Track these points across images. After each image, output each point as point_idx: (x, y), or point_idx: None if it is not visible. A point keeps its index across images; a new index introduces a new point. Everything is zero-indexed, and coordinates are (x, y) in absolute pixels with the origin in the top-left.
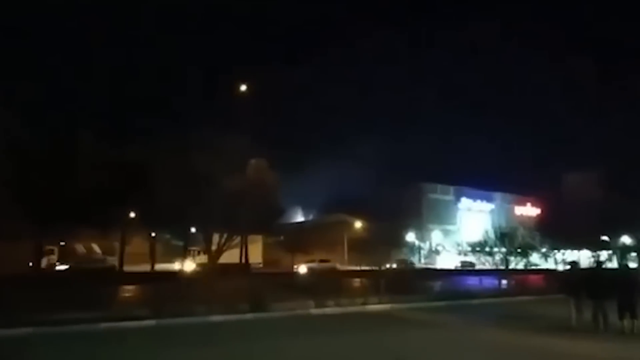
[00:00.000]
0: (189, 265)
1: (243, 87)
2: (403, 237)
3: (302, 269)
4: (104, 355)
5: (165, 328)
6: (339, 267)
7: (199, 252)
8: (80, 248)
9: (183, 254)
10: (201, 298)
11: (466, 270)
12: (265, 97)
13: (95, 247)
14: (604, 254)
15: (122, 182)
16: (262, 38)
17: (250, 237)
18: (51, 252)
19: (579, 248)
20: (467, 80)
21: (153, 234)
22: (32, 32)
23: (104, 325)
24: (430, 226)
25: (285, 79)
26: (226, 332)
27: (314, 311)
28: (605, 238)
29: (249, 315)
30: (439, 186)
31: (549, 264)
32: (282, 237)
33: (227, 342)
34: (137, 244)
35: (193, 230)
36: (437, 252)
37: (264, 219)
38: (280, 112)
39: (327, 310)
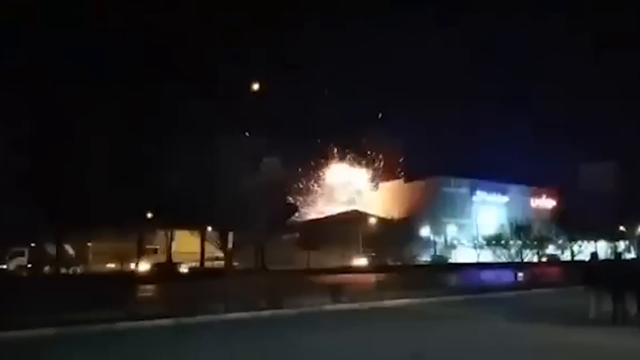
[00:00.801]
0: (143, 266)
1: (255, 86)
2: (417, 232)
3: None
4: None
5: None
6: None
7: (155, 251)
8: (52, 250)
9: (139, 254)
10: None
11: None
12: (278, 93)
13: (69, 249)
14: (621, 245)
15: (136, 181)
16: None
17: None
18: (21, 254)
19: (596, 239)
20: (478, 71)
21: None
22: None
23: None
24: (445, 220)
25: (298, 74)
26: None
27: (330, 307)
28: (622, 229)
29: (264, 313)
30: (453, 179)
31: (566, 256)
32: (297, 235)
33: (243, 339)
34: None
35: (209, 229)
36: (453, 246)
37: (278, 217)
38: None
39: (344, 307)
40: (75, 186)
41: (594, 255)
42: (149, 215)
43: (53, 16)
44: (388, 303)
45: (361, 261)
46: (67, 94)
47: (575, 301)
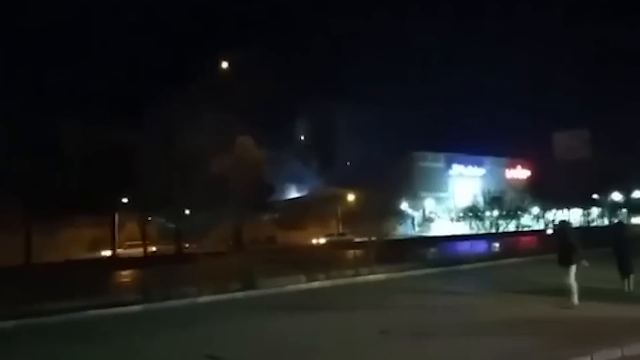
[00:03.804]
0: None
1: (224, 64)
2: (396, 207)
3: (322, 241)
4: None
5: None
6: (355, 239)
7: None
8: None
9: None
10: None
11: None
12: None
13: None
14: (594, 212)
15: (109, 167)
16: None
17: None
18: None
19: (570, 207)
20: (451, 43)
21: (149, 218)
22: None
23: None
24: (423, 194)
25: (271, 47)
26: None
27: (304, 286)
28: (595, 196)
29: (238, 294)
30: (430, 154)
31: (541, 225)
32: (277, 215)
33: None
34: (132, 229)
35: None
36: (430, 219)
37: (254, 196)
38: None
39: (316, 285)
40: (48, 173)
41: (563, 223)
42: (125, 200)
43: None
44: (362, 279)
45: (320, 241)
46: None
47: (543, 269)
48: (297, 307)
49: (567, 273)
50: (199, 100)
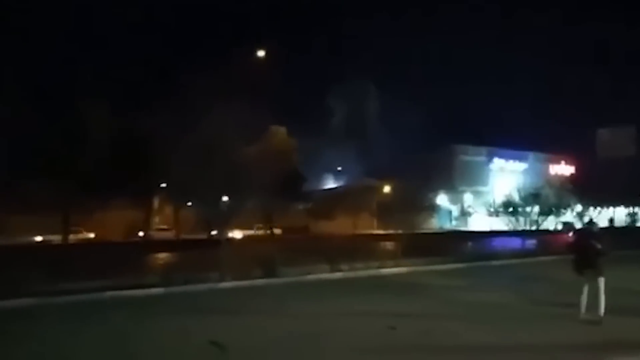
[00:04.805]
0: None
1: (261, 53)
2: (431, 200)
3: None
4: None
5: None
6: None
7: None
8: None
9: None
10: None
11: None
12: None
13: None
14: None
15: (139, 153)
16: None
17: None
18: None
19: (614, 205)
20: (495, 38)
21: (189, 203)
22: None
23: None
24: (462, 188)
25: (307, 35)
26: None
27: (325, 276)
28: None
29: (258, 282)
30: (471, 147)
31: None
32: (310, 205)
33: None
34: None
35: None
36: (468, 214)
37: (285, 185)
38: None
39: (338, 275)
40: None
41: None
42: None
43: None
44: (386, 271)
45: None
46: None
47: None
48: (311, 296)
49: (596, 284)
50: (231, 88)
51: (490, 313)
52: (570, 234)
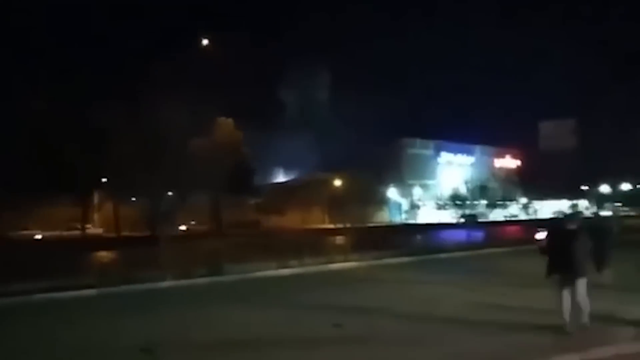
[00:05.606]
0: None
1: (205, 42)
2: (382, 193)
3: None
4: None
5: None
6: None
7: None
8: None
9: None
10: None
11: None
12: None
13: None
14: (582, 203)
15: (85, 148)
16: None
17: None
18: None
19: (558, 198)
20: (443, 34)
21: (133, 199)
22: None
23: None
24: (411, 182)
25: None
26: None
27: (272, 273)
28: (584, 187)
29: (201, 280)
30: (419, 141)
31: (529, 215)
32: (261, 199)
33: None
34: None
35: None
36: (417, 207)
37: (233, 179)
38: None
39: (285, 272)
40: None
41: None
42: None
43: None
44: (335, 267)
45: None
46: None
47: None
48: (254, 296)
49: (574, 290)
50: (177, 80)
51: (435, 307)
52: (542, 235)
